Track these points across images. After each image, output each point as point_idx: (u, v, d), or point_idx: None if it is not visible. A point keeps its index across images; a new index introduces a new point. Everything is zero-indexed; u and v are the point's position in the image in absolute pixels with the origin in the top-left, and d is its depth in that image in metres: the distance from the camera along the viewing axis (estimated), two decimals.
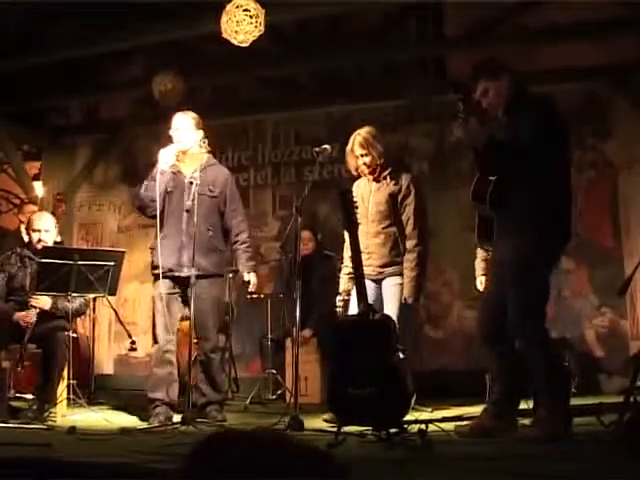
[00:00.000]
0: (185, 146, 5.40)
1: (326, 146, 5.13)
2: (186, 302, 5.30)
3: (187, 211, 5.15)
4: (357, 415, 4.30)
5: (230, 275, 6.99)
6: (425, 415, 5.31)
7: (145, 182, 5.39)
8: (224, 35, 5.82)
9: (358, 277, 4.61)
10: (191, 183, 5.13)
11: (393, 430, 4.20)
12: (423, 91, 7.86)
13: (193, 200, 5.07)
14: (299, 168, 8.70)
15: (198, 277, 5.17)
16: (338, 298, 5.34)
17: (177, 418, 5.07)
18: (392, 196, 5.24)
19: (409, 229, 5.22)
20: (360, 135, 5.33)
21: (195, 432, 4.61)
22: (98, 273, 5.58)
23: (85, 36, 7.62)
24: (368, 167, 5.31)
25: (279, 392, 7.14)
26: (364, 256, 5.14)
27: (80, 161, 9.75)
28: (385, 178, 5.29)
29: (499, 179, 4.07)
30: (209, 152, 5.53)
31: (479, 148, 4.13)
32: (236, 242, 5.56)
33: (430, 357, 7.75)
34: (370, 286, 5.19)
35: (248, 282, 5.56)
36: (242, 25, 5.65)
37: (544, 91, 7.19)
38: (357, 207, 4.68)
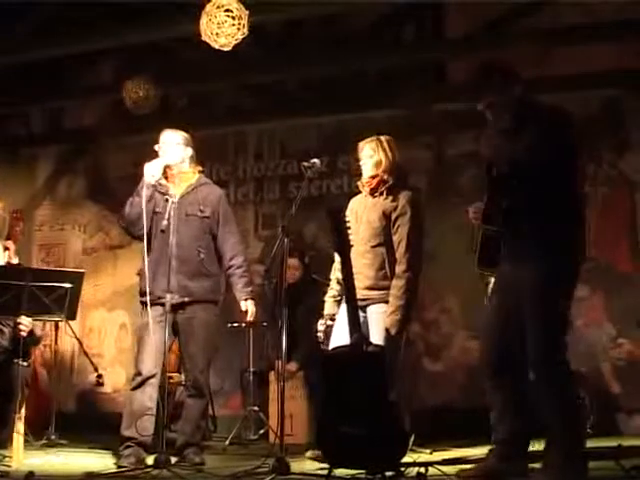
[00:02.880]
0: (171, 160, 5.49)
1: (315, 160, 5.14)
2: (175, 331, 5.39)
3: (162, 231, 5.19)
4: (349, 456, 4.31)
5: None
6: (424, 457, 5.33)
7: (130, 199, 5.47)
8: (204, 38, 5.84)
9: (350, 304, 4.64)
10: (167, 201, 5.19)
11: (389, 473, 4.23)
12: (422, 99, 7.92)
13: (169, 219, 5.12)
14: (284, 184, 8.72)
15: (188, 303, 5.28)
16: (320, 322, 5.32)
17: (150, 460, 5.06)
18: (386, 214, 5.20)
19: (400, 252, 5.15)
20: (374, 138, 5.38)
21: (170, 476, 4.61)
22: (54, 295, 5.57)
23: (48, 36, 7.64)
24: (368, 176, 5.32)
25: (262, 431, 7.12)
26: None
27: (41, 175, 9.75)
28: (382, 194, 5.28)
29: (515, 198, 4.10)
30: (200, 172, 5.66)
31: (500, 167, 4.17)
32: (231, 267, 5.61)
33: (429, 393, 7.75)
34: None
35: (246, 311, 5.61)
36: (223, 27, 5.68)
37: (557, 98, 7.36)
38: (349, 227, 4.72)
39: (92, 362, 7.53)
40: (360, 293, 5.08)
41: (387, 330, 4.97)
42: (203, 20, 5.77)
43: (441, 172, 8.18)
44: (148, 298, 5.18)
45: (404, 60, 8.19)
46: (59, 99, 9.18)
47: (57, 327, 7.39)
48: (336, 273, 5.36)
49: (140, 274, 5.48)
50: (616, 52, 7.48)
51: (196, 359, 5.41)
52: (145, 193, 5.33)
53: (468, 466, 4.54)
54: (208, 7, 5.77)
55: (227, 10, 5.73)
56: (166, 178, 5.55)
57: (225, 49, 5.92)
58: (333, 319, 5.30)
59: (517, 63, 7.30)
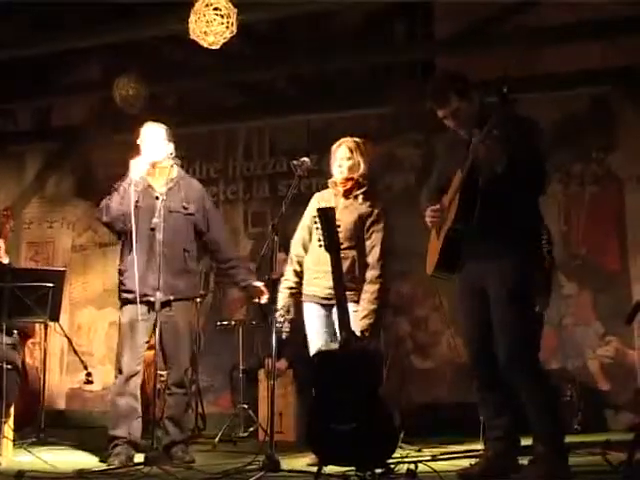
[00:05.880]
0: (157, 158, 5.47)
1: (305, 159, 5.17)
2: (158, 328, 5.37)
3: (152, 229, 5.18)
4: (339, 454, 4.35)
5: (198, 300, 7.04)
6: (413, 454, 5.36)
7: (116, 194, 5.39)
8: (192, 36, 5.84)
9: (340, 303, 4.67)
10: (157, 198, 5.18)
11: (379, 470, 4.26)
12: (411, 97, 7.94)
13: (159, 217, 5.12)
14: (273, 182, 8.73)
15: (171, 302, 5.27)
16: (278, 314, 5.32)
17: (139, 457, 5.07)
18: (362, 217, 5.28)
19: (373, 257, 5.22)
20: (351, 139, 5.43)
21: (160, 474, 4.62)
22: (36, 296, 5.53)
23: (36, 34, 7.64)
24: (344, 178, 5.37)
25: (251, 429, 7.13)
26: (314, 274, 5.28)
27: (29, 172, 9.73)
28: (357, 197, 5.34)
29: (489, 197, 4.14)
30: (179, 165, 5.62)
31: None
32: (229, 259, 5.66)
33: (418, 390, 7.77)
34: (318, 313, 5.28)
35: (261, 291, 5.57)
36: (212, 26, 5.68)
37: (544, 97, 7.41)
38: (339, 226, 4.75)
39: (82, 360, 7.53)
40: (324, 292, 5.15)
41: (362, 333, 4.98)
42: (192, 19, 5.76)
43: (430, 170, 8.18)
44: (138, 297, 5.18)
45: (393, 58, 8.22)
46: (47, 97, 9.16)
47: (46, 325, 7.37)
48: (294, 265, 5.46)
49: (122, 271, 5.44)
50: (603, 50, 7.49)
51: (180, 358, 5.43)
52: (131, 190, 5.29)
53: (466, 464, 4.54)
54: (197, 5, 5.77)
55: (216, 8, 5.73)
56: (147, 172, 5.49)
57: (214, 47, 5.92)
58: (289, 311, 5.38)
59: (505, 62, 7.47)
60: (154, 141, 5.48)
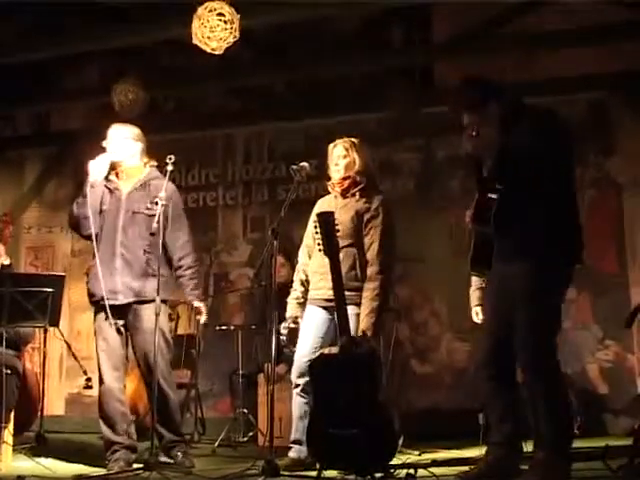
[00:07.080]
0: (118, 157, 5.40)
1: (304, 163, 5.17)
2: (128, 333, 5.33)
3: (152, 234, 5.12)
4: (339, 458, 4.35)
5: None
6: (413, 458, 5.35)
7: (77, 198, 5.38)
8: (195, 41, 5.82)
9: (340, 306, 4.67)
10: (156, 203, 5.09)
11: (378, 475, 4.26)
12: (409, 102, 7.95)
13: (158, 222, 5.03)
14: (272, 187, 8.74)
15: (135, 303, 5.19)
16: (283, 325, 5.31)
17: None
18: (359, 214, 5.24)
19: (372, 254, 5.17)
20: (347, 139, 5.43)
21: (159, 478, 4.62)
22: (35, 301, 5.54)
23: (34, 38, 7.64)
24: (341, 177, 5.38)
25: (251, 434, 7.14)
26: (317, 277, 5.24)
27: (28, 177, 9.74)
28: (354, 195, 5.31)
29: (504, 197, 4.14)
30: (153, 166, 5.50)
31: (489, 160, 4.21)
32: (179, 267, 5.43)
33: (417, 395, 7.78)
34: (321, 316, 5.22)
35: (198, 313, 5.49)
36: (216, 31, 5.67)
37: (542, 102, 7.41)
38: (339, 230, 4.76)
39: (81, 365, 7.52)
40: (327, 294, 5.10)
41: (364, 332, 4.95)
42: (195, 24, 5.74)
43: (429, 175, 8.21)
44: (90, 299, 5.25)
45: (391, 63, 8.23)
46: (46, 101, 9.17)
47: (46, 330, 7.36)
48: (300, 274, 5.42)
49: (87, 274, 5.43)
50: (600, 55, 7.52)
51: (151, 361, 5.17)
52: (89, 191, 5.26)
53: (466, 468, 4.54)
54: (200, 10, 5.76)
55: (219, 14, 5.73)
56: (117, 174, 5.44)
57: (216, 53, 5.91)
58: (296, 322, 5.33)
59: (504, 67, 7.48)
60: (115, 141, 5.40)
